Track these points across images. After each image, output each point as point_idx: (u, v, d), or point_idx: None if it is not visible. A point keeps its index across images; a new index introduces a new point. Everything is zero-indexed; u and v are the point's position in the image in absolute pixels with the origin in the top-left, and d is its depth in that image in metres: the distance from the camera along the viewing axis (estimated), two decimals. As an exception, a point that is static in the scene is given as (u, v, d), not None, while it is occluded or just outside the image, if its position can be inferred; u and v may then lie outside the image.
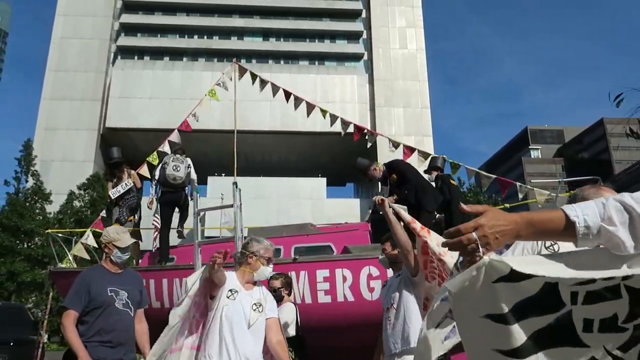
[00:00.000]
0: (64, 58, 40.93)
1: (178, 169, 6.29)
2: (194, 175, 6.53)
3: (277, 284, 4.30)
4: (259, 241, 3.07)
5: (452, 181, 5.90)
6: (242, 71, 8.13)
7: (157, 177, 6.42)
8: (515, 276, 1.07)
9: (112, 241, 3.45)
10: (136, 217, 6.46)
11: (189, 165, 6.51)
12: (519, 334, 1.10)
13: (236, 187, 4.74)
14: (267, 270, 3.03)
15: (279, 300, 4.18)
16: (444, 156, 6.59)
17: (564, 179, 5.58)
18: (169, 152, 6.96)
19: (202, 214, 5.21)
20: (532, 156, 79.11)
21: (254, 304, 2.87)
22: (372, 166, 5.92)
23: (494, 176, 6.41)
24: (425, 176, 6.14)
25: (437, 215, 5.65)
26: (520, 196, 6.13)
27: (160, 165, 6.45)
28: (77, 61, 40.82)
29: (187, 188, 6.54)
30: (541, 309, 1.10)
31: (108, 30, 43.10)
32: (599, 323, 1.10)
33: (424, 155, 7.80)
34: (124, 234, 3.57)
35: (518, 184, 6.18)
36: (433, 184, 6.07)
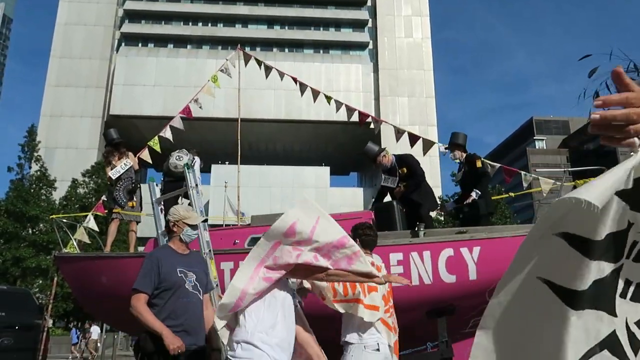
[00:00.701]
0: (68, 45, 40.84)
1: (180, 158, 6.31)
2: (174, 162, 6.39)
3: None
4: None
5: (477, 162, 5.78)
6: (247, 58, 8.08)
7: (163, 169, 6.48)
8: None
9: (182, 219, 3.25)
10: (136, 202, 6.46)
11: (194, 159, 6.49)
12: (589, 275, 0.83)
13: (188, 168, 4.47)
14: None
15: None
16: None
17: (569, 169, 5.53)
18: (170, 137, 6.96)
19: (161, 203, 5.14)
20: (537, 147, 78.79)
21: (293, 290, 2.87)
22: (382, 153, 5.88)
23: (499, 165, 6.37)
24: (448, 154, 6.06)
25: (473, 196, 5.57)
26: (525, 185, 6.10)
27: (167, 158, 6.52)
28: (82, 48, 40.73)
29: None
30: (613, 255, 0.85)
31: (112, 17, 42.94)
32: (635, 288, 0.87)
33: (428, 143, 7.76)
34: (192, 211, 3.38)
35: (523, 172, 6.14)
36: (456, 162, 5.98)
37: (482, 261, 4.54)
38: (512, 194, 6.90)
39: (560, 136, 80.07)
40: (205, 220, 3.36)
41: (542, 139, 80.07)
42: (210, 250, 4.22)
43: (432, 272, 4.60)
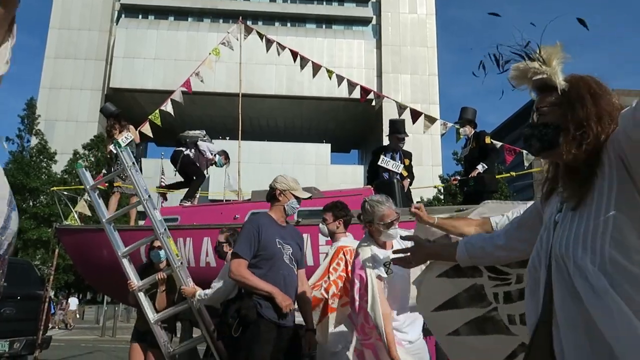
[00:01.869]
0: (67, 16, 40.29)
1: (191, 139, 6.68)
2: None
3: (221, 238, 3.92)
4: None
5: (487, 139, 5.76)
6: (248, 30, 7.97)
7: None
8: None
9: (290, 189, 3.13)
10: None
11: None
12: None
13: (120, 147, 4.27)
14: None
15: (222, 257, 3.91)
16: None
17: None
18: (172, 112, 6.94)
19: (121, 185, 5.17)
20: (539, 127, 78.50)
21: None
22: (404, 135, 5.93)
23: (500, 143, 6.34)
24: (451, 130, 6.05)
25: (479, 169, 5.57)
26: (526, 164, 6.08)
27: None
28: (81, 19, 40.19)
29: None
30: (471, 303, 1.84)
31: (112, -12, 42.28)
32: (520, 318, 1.67)
33: (430, 120, 7.71)
34: (300, 184, 3.26)
35: (524, 152, 6.11)
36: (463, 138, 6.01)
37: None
38: (513, 174, 6.86)
39: (563, 116, 79.82)
40: (310, 198, 3.23)
41: (545, 119, 79.80)
42: (165, 229, 3.98)
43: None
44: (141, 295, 3.98)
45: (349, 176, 39.93)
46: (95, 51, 40.30)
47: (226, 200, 8.66)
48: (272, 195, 3.17)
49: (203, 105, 37.69)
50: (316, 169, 39.35)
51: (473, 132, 5.85)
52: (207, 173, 6.94)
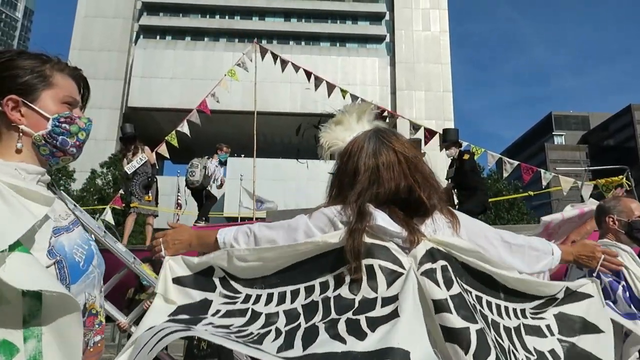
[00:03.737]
0: (88, 37, 41.26)
1: (193, 174, 6.73)
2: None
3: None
4: None
5: (465, 155, 5.78)
6: (263, 51, 8.07)
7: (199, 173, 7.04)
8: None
9: None
10: (152, 196, 6.54)
11: (205, 166, 6.86)
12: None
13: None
14: None
15: None
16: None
17: (590, 168, 5.42)
18: (188, 132, 7.04)
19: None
20: (556, 142, 77.65)
21: None
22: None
23: (517, 162, 6.27)
24: (444, 151, 6.07)
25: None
26: (544, 183, 5.99)
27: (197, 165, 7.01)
28: (101, 40, 41.12)
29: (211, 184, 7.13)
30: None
31: (131, 9, 43.23)
32: None
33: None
34: None
35: (542, 170, 6.03)
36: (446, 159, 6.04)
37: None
38: (531, 193, 6.77)
39: (580, 132, 78.87)
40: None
41: (561, 135, 78.91)
42: (135, 258, 3.74)
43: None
44: (134, 330, 3.87)
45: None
46: (115, 71, 41.11)
47: (241, 219, 8.68)
48: None
49: (218, 122, 38.05)
50: (331, 185, 39.30)
51: (458, 152, 5.89)
52: (212, 185, 7.12)
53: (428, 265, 1.25)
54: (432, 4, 44.45)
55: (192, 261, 1.43)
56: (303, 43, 45.07)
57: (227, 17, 45.59)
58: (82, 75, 1.35)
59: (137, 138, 6.73)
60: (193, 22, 45.01)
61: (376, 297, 1.21)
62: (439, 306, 1.19)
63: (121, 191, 7.04)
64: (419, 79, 42.08)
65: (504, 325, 1.33)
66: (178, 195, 19.65)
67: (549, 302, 1.46)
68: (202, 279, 1.41)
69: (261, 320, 1.29)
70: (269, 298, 1.34)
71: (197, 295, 1.38)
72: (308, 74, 8.02)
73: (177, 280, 1.40)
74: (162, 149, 7.05)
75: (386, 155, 1.42)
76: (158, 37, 44.22)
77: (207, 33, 44.89)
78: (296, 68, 8.04)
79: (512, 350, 1.28)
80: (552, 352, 1.37)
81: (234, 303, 1.36)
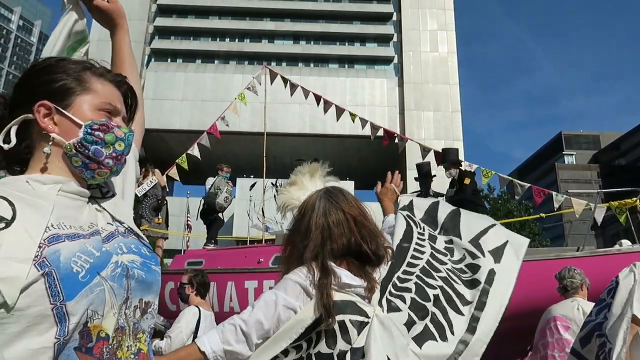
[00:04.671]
0: (100, 60, 42.01)
1: (228, 200, 6.76)
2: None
3: (184, 279, 3.83)
4: None
5: (466, 180, 5.71)
6: (273, 75, 8.16)
7: (207, 191, 6.87)
8: None
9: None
10: (162, 219, 6.56)
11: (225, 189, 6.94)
12: None
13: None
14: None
15: (184, 300, 3.77)
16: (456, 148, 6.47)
17: (603, 190, 5.36)
18: (199, 156, 7.08)
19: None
20: (567, 162, 77.11)
21: None
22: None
23: (529, 185, 6.22)
24: (443, 171, 6.02)
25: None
26: (556, 206, 5.92)
27: (213, 185, 6.83)
28: (113, 64, 41.87)
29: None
30: None
31: (143, 34, 44.08)
32: None
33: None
34: None
35: (554, 193, 5.97)
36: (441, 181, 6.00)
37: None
38: (543, 215, 6.70)
39: (591, 151, 78.34)
40: None
41: (572, 154, 78.41)
42: None
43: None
44: None
45: (373, 213, 39.59)
46: (126, 94, 41.76)
47: (250, 241, 8.66)
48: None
49: (228, 144, 38.30)
50: (340, 206, 39.24)
51: (458, 172, 5.82)
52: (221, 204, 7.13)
53: (385, 301, 1.50)
54: (440, 26, 44.84)
55: None
56: (312, 65, 45.56)
57: (237, 40, 46.31)
58: (126, 82, 1.22)
59: (148, 161, 6.78)
60: (204, 45, 45.76)
61: (349, 349, 1.40)
62: (409, 323, 1.45)
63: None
64: (428, 100, 42.23)
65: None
66: (188, 217, 19.70)
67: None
68: None
69: None
70: None
71: None
72: (318, 98, 8.08)
73: None
74: (173, 172, 7.10)
75: (335, 214, 1.61)
76: (169, 60, 44.96)
77: (218, 56, 45.57)
78: (306, 93, 8.10)
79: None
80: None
81: None
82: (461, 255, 1.76)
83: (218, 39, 46.45)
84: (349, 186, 42.63)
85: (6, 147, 1.01)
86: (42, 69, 1.08)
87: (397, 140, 8.45)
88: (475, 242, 1.78)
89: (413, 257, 1.72)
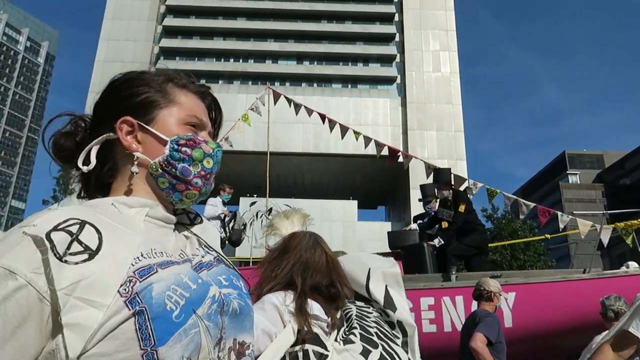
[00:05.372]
0: (106, 80, 41.82)
1: (243, 237, 6.85)
2: None
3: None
4: None
5: (461, 207, 5.63)
6: (277, 95, 8.20)
7: (229, 225, 6.89)
8: None
9: (500, 292, 4.01)
10: None
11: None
12: None
13: None
14: None
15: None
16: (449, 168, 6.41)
17: (608, 211, 5.32)
18: None
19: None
20: (571, 181, 76.91)
21: None
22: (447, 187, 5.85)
23: (533, 204, 6.18)
24: (438, 194, 5.95)
25: (435, 244, 5.52)
26: (561, 226, 5.87)
27: (236, 221, 6.84)
28: (118, 84, 42.32)
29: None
30: None
31: (148, 54, 44.63)
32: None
33: (459, 180, 7.63)
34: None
35: (559, 213, 5.92)
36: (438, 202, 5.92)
37: (518, 307, 4.35)
38: (548, 236, 6.64)
39: (594, 170, 78.17)
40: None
41: (576, 174, 78.23)
42: None
43: (465, 319, 4.42)
44: None
45: (376, 233, 39.50)
46: (131, 113, 42.14)
47: (253, 261, 8.59)
48: (486, 297, 4.01)
49: (231, 163, 38.47)
50: (343, 225, 39.12)
51: (451, 192, 5.76)
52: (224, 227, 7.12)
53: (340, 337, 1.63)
54: (442, 46, 45.26)
55: None
56: (315, 85, 45.94)
57: (241, 60, 46.83)
58: (211, 94, 1.11)
59: None
60: (208, 65, 46.26)
61: None
62: (365, 352, 1.55)
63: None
64: (431, 119, 42.39)
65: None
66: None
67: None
68: None
69: None
70: None
71: None
72: (322, 117, 8.11)
73: None
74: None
75: (319, 252, 1.77)
76: (174, 80, 45.43)
77: (222, 76, 46.02)
78: (309, 112, 8.13)
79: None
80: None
81: None
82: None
83: (222, 59, 46.98)
84: (352, 205, 42.56)
85: (85, 168, 0.91)
86: (122, 83, 1.01)
87: (400, 158, 8.44)
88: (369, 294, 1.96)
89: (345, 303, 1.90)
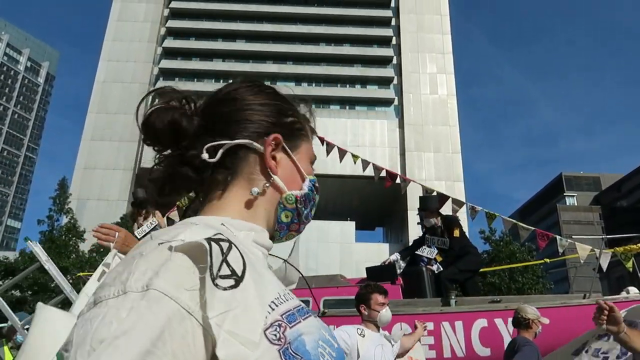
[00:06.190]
0: (105, 101, 42.75)
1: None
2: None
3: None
4: None
5: (455, 231, 5.58)
6: (275, 117, 8.24)
7: None
8: None
9: (539, 318, 3.91)
10: None
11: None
12: None
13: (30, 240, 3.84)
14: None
15: None
16: (433, 194, 6.36)
17: (607, 236, 5.32)
18: (201, 198, 7.08)
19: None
20: (568, 203, 77.01)
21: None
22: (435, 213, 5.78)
23: (533, 228, 6.17)
24: (424, 221, 5.87)
25: (434, 269, 5.46)
26: (560, 251, 5.86)
27: None
28: (118, 104, 42.55)
29: None
30: None
31: (148, 75, 45.00)
32: None
33: (458, 203, 7.61)
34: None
35: (558, 237, 5.91)
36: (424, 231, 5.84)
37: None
38: (547, 260, 6.62)
39: (592, 192, 78.34)
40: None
41: (573, 195, 78.38)
42: None
43: (465, 344, 4.37)
44: None
45: (374, 254, 39.30)
46: (129, 133, 42.21)
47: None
48: (524, 324, 3.91)
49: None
50: (341, 247, 38.95)
51: (440, 219, 5.69)
52: None
53: None
54: (439, 69, 45.80)
55: None
56: (313, 106, 46.08)
57: (240, 81, 47.27)
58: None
59: (149, 202, 6.74)
60: (207, 86, 46.59)
61: None
62: None
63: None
64: (428, 141, 42.64)
65: None
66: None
67: None
68: None
69: None
70: None
71: None
72: (321, 140, 8.13)
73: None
74: (174, 214, 7.06)
75: None
76: (173, 100, 45.75)
77: (221, 97, 46.38)
78: (308, 134, 8.17)
79: None
80: None
81: None
82: None
83: (221, 80, 47.33)
84: (350, 226, 42.46)
85: (210, 159, 0.75)
86: (275, 95, 0.86)
87: (398, 180, 8.44)
88: None
89: None
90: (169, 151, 0.80)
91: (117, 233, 1.80)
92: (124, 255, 1.38)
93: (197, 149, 0.76)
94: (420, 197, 5.89)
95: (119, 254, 1.71)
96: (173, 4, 47.93)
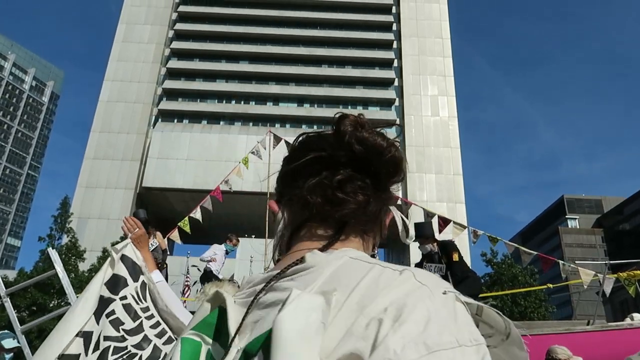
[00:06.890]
0: (108, 120, 43.02)
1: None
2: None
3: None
4: None
5: (454, 255, 5.48)
6: (277, 139, 8.29)
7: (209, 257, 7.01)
8: None
9: (570, 358, 3.99)
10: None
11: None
12: None
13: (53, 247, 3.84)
14: None
15: None
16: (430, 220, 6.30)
17: (611, 262, 5.27)
18: (200, 219, 7.09)
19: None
20: (570, 226, 76.68)
21: None
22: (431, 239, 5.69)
23: (535, 252, 6.13)
24: (420, 248, 5.79)
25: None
26: (564, 276, 5.80)
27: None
28: (121, 123, 42.81)
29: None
30: None
31: (151, 95, 45.35)
32: None
33: (459, 226, 7.59)
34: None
35: (561, 262, 5.87)
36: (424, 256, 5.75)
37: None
38: (550, 285, 6.55)
39: (594, 215, 78.10)
40: None
41: (575, 218, 78.09)
42: None
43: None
44: None
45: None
46: (132, 152, 42.38)
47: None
48: None
49: (229, 203, 38.35)
50: (341, 268, 38.69)
51: (436, 246, 5.61)
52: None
53: None
54: (440, 91, 46.14)
55: (139, 256, 2.09)
56: (315, 127, 46.47)
57: (242, 102, 47.58)
58: None
59: (149, 222, 6.76)
60: (210, 107, 46.97)
61: None
62: None
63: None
64: (430, 162, 42.71)
65: None
66: (187, 278, 19.37)
67: None
68: (135, 269, 2.04)
69: (138, 338, 1.85)
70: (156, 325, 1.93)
71: (124, 274, 2.01)
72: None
73: (124, 257, 2.05)
74: (174, 235, 7.07)
75: None
76: (176, 120, 46.00)
77: (223, 117, 46.65)
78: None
79: None
80: None
81: (137, 303, 1.97)
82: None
83: (224, 101, 47.74)
84: (350, 247, 42.27)
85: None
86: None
87: (399, 202, 8.41)
88: None
89: None
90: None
91: (138, 230, 2.20)
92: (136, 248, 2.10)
93: None
94: (414, 225, 5.80)
95: (132, 244, 2.11)
96: (178, 26, 48.59)
